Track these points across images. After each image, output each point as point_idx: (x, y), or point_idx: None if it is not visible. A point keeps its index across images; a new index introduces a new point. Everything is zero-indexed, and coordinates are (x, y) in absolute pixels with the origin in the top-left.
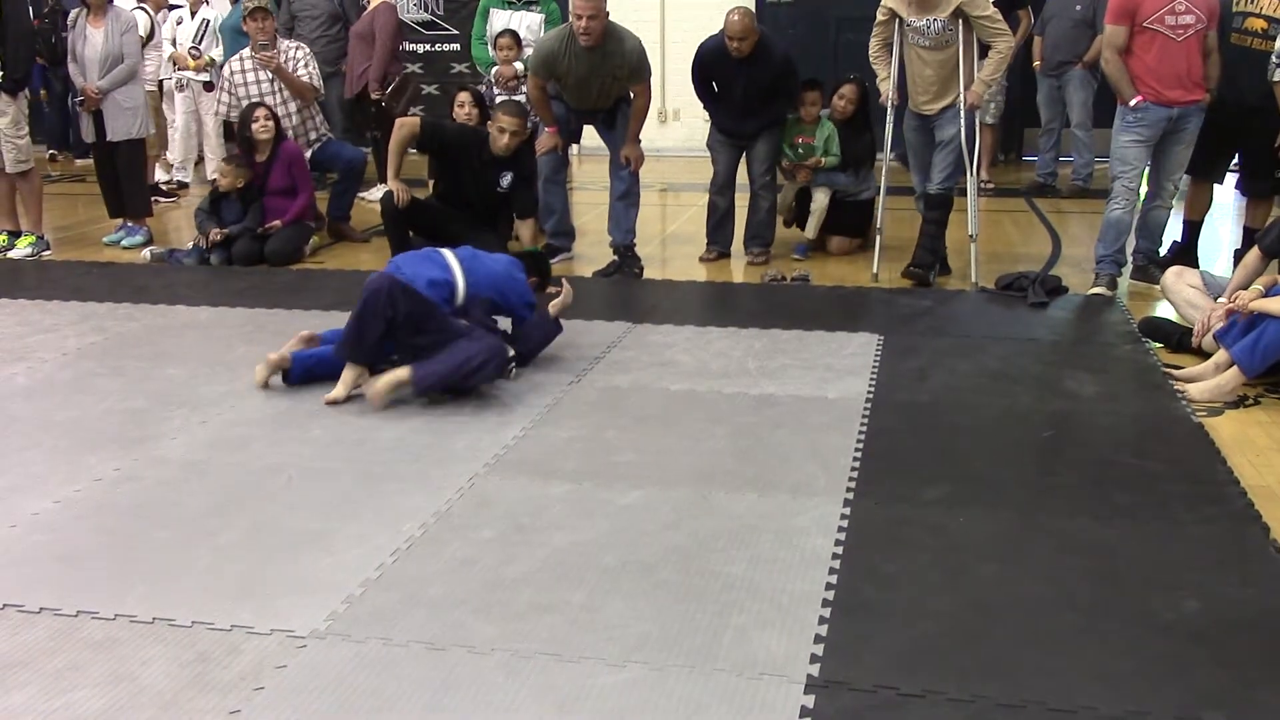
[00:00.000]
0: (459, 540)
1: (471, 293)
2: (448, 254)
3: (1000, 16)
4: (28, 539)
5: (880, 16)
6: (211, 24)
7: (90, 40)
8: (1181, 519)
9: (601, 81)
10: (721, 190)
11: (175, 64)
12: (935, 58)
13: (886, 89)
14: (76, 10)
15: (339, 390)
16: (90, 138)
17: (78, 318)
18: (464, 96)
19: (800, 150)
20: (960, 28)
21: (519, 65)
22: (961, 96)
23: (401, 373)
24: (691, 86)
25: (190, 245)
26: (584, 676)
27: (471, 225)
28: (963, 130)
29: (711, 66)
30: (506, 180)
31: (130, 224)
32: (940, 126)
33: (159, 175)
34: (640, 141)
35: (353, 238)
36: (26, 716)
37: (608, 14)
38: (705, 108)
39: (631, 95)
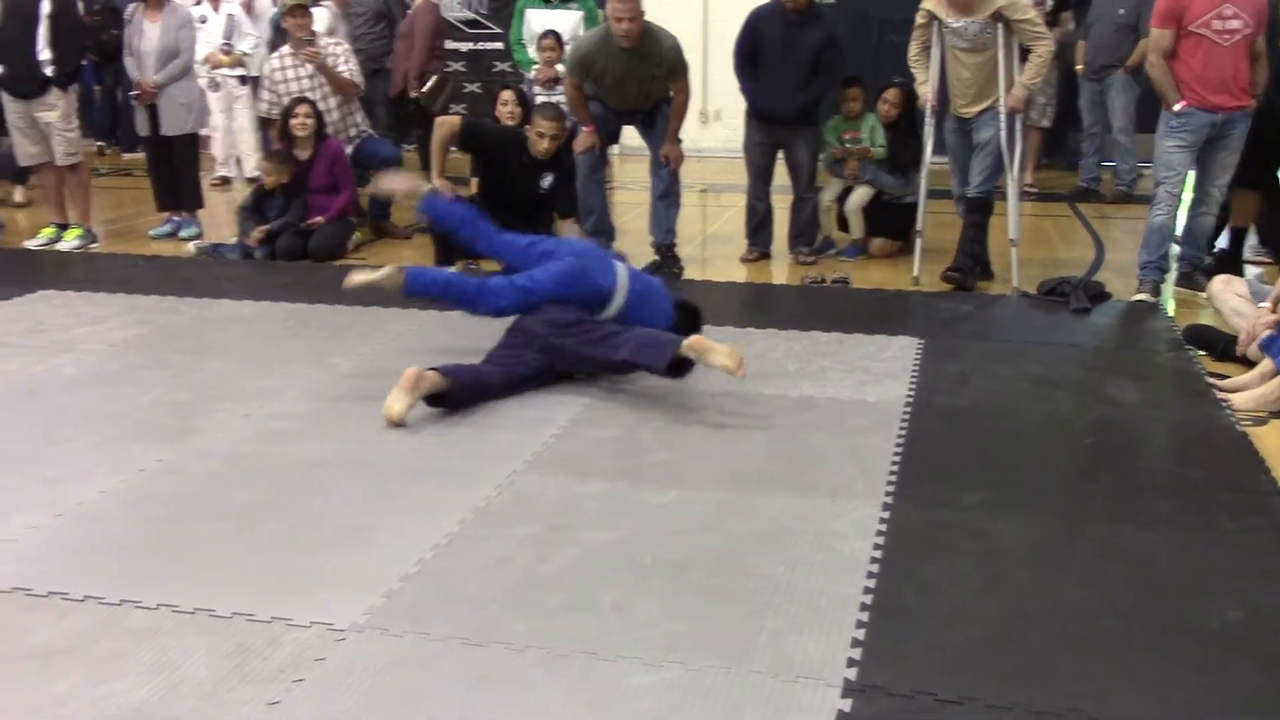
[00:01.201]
0: (497, 537)
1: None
2: (622, 271)
3: (1041, 20)
4: (73, 528)
5: (919, 20)
6: (236, 18)
7: (147, 35)
8: (1224, 527)
9: (640, 82)
10: (759, 195)
11: (209, 63)
12: (973, 60)
13: (925, 93)
14: (134, 5)
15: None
16: (144, 131)
17: (124, 310)
18: (507, 95)
19: (848, 143)
20: (1000, 30)
21: (560, 67)
22: (1001, 100)
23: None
24: (733, 84)
25: (234, 240)
26: (619, 676)
27: (513, 226)
28: (1002, 133)
29: (760, 28)
30: (547, 182)
31: (175, 218)
32: (978, 129)
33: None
34: (680, 141)
35: (394, 234)
36: (71, 704)
37: (644, 13)
38: (744, 90)
39: (671, 94)
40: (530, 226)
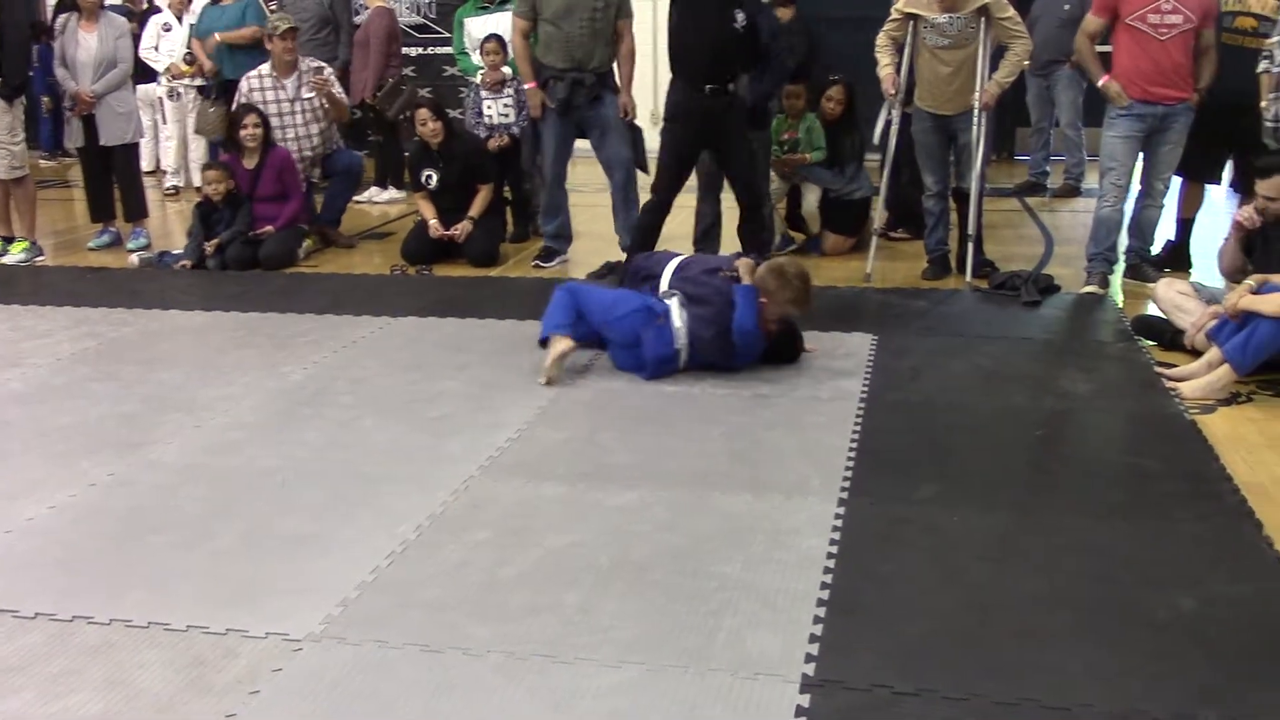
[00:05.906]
0: (454, 542)
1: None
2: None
3: (1020, 19)
4: (23, 544)
5: (894, 16)
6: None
7: (83, 44)
8: (1175, 516)
9: (590, 9)
10: (705, 196)
11: (170, 74)
12: (955, 57)
13: (890, 76)
14: (66, 16)
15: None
16: (79, 143)
17: (71, 323)
18: (424, 114)
19: (785, 145)
20: (980, 27)
21: (506, 70)
22: (977, 96)
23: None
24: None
25: (183, 250)
26: (580, 678)
27: (700, 80)
28: (974, 129)
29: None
30: (740, 18)
31: (111, 228)
32: (965, 128)
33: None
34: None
35: (338, 243)
36: None
37: None
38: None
39: (620, 37)
40: (723, 80)
